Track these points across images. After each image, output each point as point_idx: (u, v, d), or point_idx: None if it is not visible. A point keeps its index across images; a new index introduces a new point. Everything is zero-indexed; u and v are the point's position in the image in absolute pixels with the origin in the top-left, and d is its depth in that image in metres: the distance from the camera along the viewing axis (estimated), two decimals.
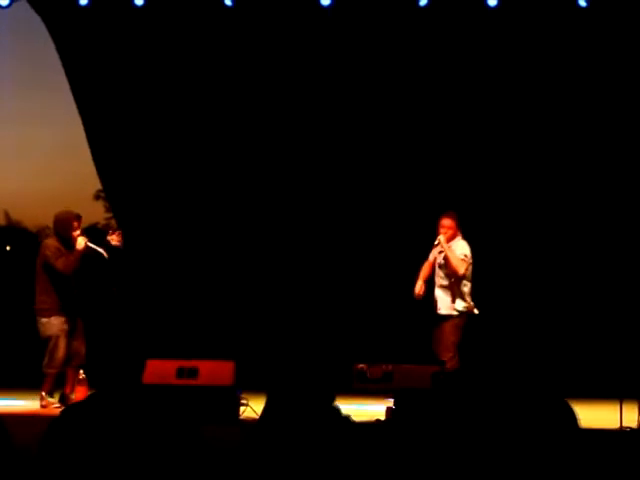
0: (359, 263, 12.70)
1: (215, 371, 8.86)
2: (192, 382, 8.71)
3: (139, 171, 13.02)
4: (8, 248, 20.18)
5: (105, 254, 9.68)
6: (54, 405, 9.37)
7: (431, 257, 10.05)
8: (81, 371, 9.56)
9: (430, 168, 12.66)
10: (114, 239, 9.76)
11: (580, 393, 10.52)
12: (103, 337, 11.10)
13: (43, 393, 9.52)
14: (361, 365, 9.00)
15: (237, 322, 12.56)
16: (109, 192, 14.29)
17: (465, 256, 9.86)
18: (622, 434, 7.67)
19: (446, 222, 9.93)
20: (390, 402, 8.60)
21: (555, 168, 12.60)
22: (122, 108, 12.95)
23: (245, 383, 8.87)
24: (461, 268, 9.82)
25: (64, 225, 9.64)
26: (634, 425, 8.00)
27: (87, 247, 9.61)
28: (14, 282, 13.70)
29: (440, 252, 9.98)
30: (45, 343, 9.62)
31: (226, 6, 11.97)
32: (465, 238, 9.99)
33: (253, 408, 8.55)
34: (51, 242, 9.67)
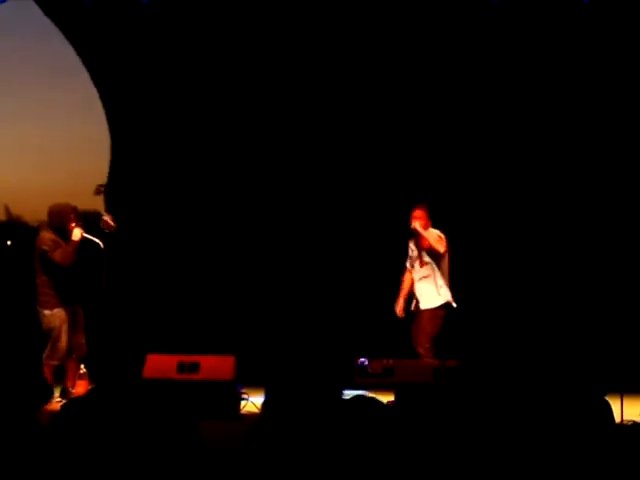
0: (359, 257, 12.69)
1: (216, 366, 8.87)
2: (193, 377, 8.71)
3: (145, 165, 13.01)
4: (9, 243, 20.18)
5: (102, 244, 9.66)
6: (55, 400, 9.36)
7: (408, 265, 10.24)
8: (82, 365, 9.55)
9: (431, 165, 12.66)
10: (108, 221, 9.69)
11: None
12: (103, 331, 11.08)
13: None
14: (362, 359, 8.99)
15: (237, 317, 12.54)
16: (113, 185, 14.20)
17: (440, 236, 10.05)
18: (623, 428, 7.66)
19: (417, 213, 10.21)
20: (391, 397, 8.60)
21: (553, 165, 12.58)
22: (137, 104, 12.97)
23: (245, 378, 8.87)
24: (440, 246, 10.04)
25: (61, 217, 9.62)
26: (636, 419, 8.00)
27: (83, 238, 9.60)
28: (15, 276, 13.69)
29: (415, 245, 10.16)
30: (46, 335, 9.61)
31: None
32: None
33: (254, 403, 8.55)
34: (47, 235, 9.64)
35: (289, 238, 12.81)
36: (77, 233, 9.56)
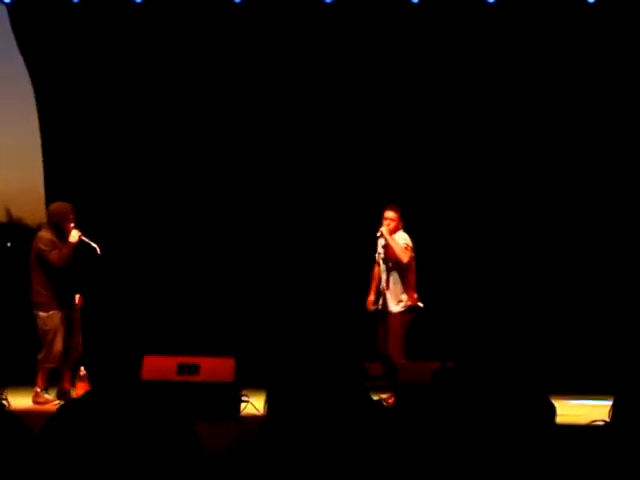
0: (358, 259, 12.65)
1: (216, 368, 8.86)
2: (193, 378, 8.70)
3: (139, 165, 12.97)
4: (9, 244, 20.21)
5: (98, 249, 9.65)
6: (53, 402, 9.31)
7: (378, 257, 10.15)
8: (82, 367, 9.52)
9: (422, 164, 12.65)
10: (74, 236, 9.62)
11: (577, 389, 10.56)
12: (102, 332, 11.06)
13: (38, 389, 9.49)
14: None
15: (238, 318, 12.52)
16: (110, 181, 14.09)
17: (407, 245, 9.89)
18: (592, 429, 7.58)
19: (389, 214, 9.98)
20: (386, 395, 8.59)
21: (551, 167, 12.54)
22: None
23: (246, 380, 8.85)
24: (404, 257, 9.87)
25: (60, 217, 9.60)
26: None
27: (80, 240, 9.59)
28: (14, 278, 13.68)
29: (383, 246, 10.03)
30: (40, 337, 9.58)
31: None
32: (406, 230, 10.07)
33: (254, 405, 8.53)
34: (45, 234, 9.62)
35: (288, 241, 12.78)
36: (75, 235, 9.54)
